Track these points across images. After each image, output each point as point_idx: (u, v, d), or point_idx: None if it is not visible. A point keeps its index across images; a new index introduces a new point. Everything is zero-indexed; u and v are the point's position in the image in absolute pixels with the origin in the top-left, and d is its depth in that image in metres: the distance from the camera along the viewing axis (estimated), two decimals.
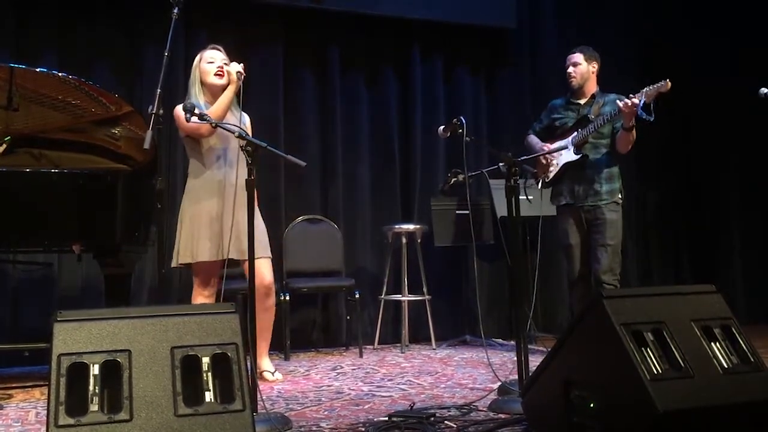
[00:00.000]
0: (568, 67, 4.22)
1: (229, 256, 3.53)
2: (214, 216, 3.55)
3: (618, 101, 3.83)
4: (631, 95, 3.76)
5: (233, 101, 3.63)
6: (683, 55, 5.92)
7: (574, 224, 4.15)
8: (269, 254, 3.73)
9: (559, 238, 4.27)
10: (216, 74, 3.61)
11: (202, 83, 3.66)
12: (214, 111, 3.50)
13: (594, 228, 4.09)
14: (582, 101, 4.22)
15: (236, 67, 3.54)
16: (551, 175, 4.19)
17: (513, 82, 5.76)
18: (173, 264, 3.67)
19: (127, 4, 4.73)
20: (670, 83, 3.65)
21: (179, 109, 3.56)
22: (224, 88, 3.59)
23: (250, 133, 3.75)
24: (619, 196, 4.12)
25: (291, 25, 5.16)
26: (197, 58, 3.70)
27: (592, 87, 4.22)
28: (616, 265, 4.07)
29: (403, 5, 5.26)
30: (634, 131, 3.93)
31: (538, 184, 4.27)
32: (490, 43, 5.72)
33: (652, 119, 3.71)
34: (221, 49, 3.70)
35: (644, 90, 3.73)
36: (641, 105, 3.71)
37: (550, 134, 4.30)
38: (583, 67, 4.18)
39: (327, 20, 5.22)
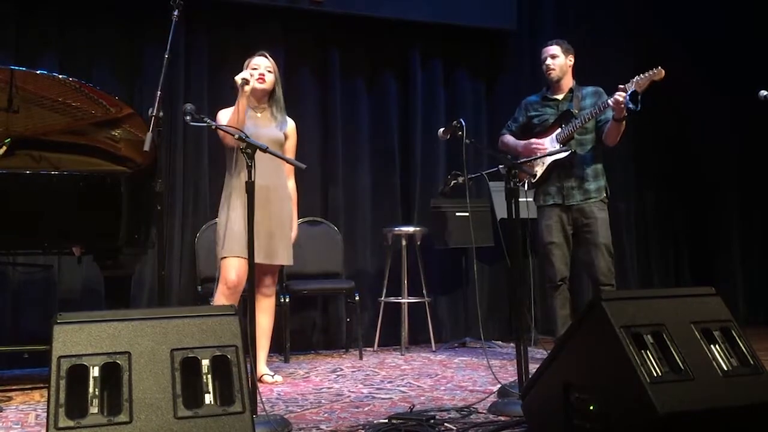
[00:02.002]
0: (545, 60, 4.12)
1: (256, 261, 3.53)
2: (242, 219, 3.55)
3: (610, 100, 3.76)
4: (620, 86, 3.70)
5: (276, 107, 3.78)
6: (684, 56, 5.92)
7: (558, 223, 4.07)
8: (289, 262, 3.77)
9: (539, 237, 4.15)
10: (257, 80, 3.67)
11: None
12: (230, 118, 3.56)
13: (585, 228, 4.03)
14: (559, 96, 4.14)
15: (242, 75, 3.58)
16: (538, 175, 4.12)
17: (513, 84, 5.75)
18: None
19: (128, 5, 4.73)
20: (663, 71, 3.58)
21: (220, 115, 3.68)
22: (265, 92, 3.72)
23: (293, 139, 3.86)
24: (605, 194, 4.09)
25: (291, 26, 5.16)
26: (245, 64, 3.75)
27: (569, 81, 4.14)
28: (611, 265, 4.04)
29: (403, 7, 5.26)
30: (624, 122, 3.85)
31: (523, 186, 4.14)
32: (490, 45, 5.72)
33: (637, 109, 3.64)
34: (267, 55, 3.76)
35: (635, 79, 3.66)
36: (629, 93, 3.64)
37: (528, 132, 4.21)
38: (561, 60, 4.10)
39: (327, 22, 5.22)
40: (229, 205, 3.63)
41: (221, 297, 3.61)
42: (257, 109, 3.74)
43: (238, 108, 3.54)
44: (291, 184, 3.86)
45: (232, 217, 3.59)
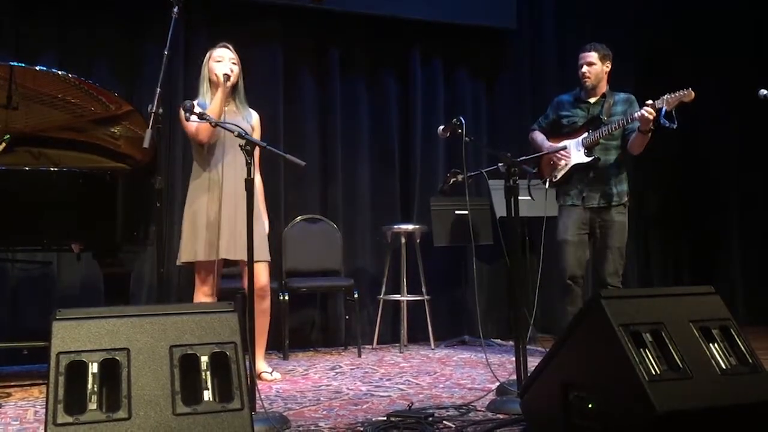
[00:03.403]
0: (581, 66, 4.11)
1: (223, 256, 3.53)
2: (211, 216, 3.55)
3: (637, 114, 3.76)
4: (649, 102, 3.70)
5: (239, 100, 3.71)
6: (684, 56, 5.92)
7: (576, 222, 4.07)
8: (267, 258, 3.72)
9: (556, 234, 4.16)
10: (223, 73, 3.61)
11: (210, 81, 3.67)
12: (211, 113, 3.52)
13: (602, 230, 4.05)
14: (592, 100, 4.14)
15: (222, 70, 3.56)
16: (559, 175, 4.13)
17: (513, 83, 5.75)
18: (177, 262, 3.73)
19: (128, 5, 4.72)
20: (693, 93, 3.60)
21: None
22: (232, 86, 3.64)
23: (258, 131, 3.81)
24: (626, 198, 4.10)
25: (291, 24, 5.15)
26: (207, 56, 3.70)
27: (603, 86, 4.14)
28: (621, 268, 4.05)
29: (404, 6, 5.25)
30: (650, 134, 3.85)
31: (544, 183, 4.20)
32: (491, 44, 5.71)
33: (675, 126, 3.63)
34: (230, 47, 3.70)
35: (665, 97, 3.66)
36: (663, 113, 3.64)
37: (557, 131, 4.22)
38: (597, 67, 4.09)
39: (327, 20, 5.22)
40: (189, 206, 3.61)
41: (201, 296, 3.63)
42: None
43: (220, 104, 3.52)
44: (258, 179, 3.80)
45: (193, 218, 3.58)
